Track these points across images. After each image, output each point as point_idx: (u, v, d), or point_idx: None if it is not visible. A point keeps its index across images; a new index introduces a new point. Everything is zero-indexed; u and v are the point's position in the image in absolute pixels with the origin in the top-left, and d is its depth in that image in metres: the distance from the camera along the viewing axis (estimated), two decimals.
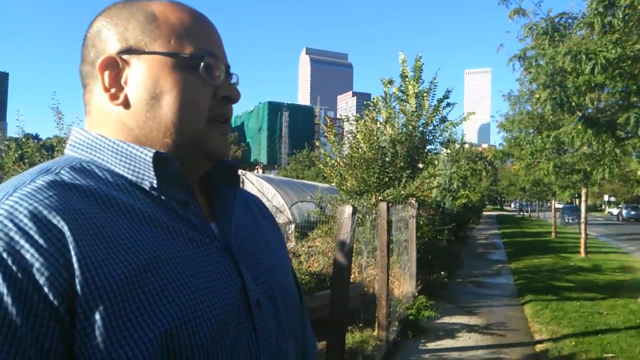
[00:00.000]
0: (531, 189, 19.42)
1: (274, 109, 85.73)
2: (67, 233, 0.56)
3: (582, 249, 13.75)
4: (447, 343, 5.49)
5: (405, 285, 7.23)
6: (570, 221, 33.17)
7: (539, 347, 5.41)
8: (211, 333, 0.61)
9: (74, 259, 0.55)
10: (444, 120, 8.63)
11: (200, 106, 0.71)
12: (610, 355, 4.98)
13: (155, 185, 0.67)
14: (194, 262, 0.65)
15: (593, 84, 5.33)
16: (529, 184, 16.31)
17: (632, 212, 41.53)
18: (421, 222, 9.22)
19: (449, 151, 19.19)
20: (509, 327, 6.24)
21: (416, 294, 7.01)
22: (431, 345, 5.39)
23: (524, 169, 14.34)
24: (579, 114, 5.88)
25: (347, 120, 9.43)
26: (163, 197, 0.68)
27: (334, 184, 8.80)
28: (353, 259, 7.62)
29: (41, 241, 0.54)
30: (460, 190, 18.11)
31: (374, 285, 6.03)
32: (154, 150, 0.68)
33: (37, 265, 0.53)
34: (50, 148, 10.84)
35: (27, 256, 0.53)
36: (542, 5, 5.68)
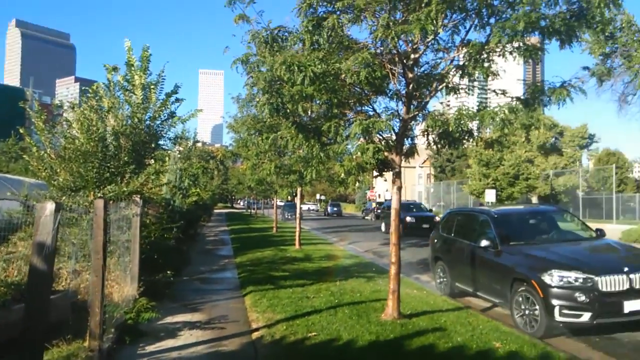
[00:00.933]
0: (257, 187, 20.92)
1: None
2: None
3: (297, 242, 15.48)
4: (167, 344, 5.37)
5: (126, 288, 6.79)
6: (289, 217, 37.32)
7: (255, 335, 5.78)
8: None
9: None
10: (172, 115, 8.46)
11: None
12: (313, 333, 5.67)
13: None
14: None
15: (304, 94, 5.98)
16: (254, 182, 17.50)
17: (335, 209, 50.27)
18: (148, 221, 8.85)
19: (181, 148, 19.03)
20: (230, 319, 6.51)
21: (137, 297, 6.66)
22: (150, 349, 5.19)
23: (250, 169, 15.32)
24: (293, 119, 6.53)
25: (61, 106, 8.34)
26: None
27: (42, 179, 7.66)
28: (65, 263, 6.80)
29: None
30: (192, 189, 18.15)
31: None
32: None
33: None
34: None
35: None
36: (263, 15, 6.09)
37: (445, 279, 9.00)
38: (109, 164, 7.46)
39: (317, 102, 7.27)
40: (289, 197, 34.96)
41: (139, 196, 7.37)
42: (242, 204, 75.33)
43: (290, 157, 13.56)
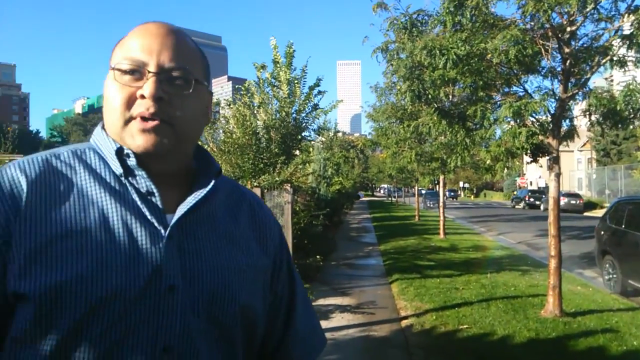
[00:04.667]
0: (397, 175, 20.81)
1: None
2: (28, 186, 0.78)
3: (441, 231, 15.07)
4: (321, 324, 5.63)
5: None
6: (431, 205, 36.30)
7: (404, 323, 5.79)
8: (97, 298, 0.74)
9: (22, 205, 0.77)
10: (315, 107, 8.80)
11: (116, 108, 0.83)
12: (465, 326, 5.49)
13: (118, 174, 0.83)
14: (117, 241, 0.78)
15: (446, 78, 5.75)
16: (395, 170, 17.40)
17: (451, 193, 58.20)
18: (297, 208, 9.35)
19: (323, 139, 19.73)
20: (378, 305, 6.61)
21: None
22: None
23: (390, 157, 15.25)
24: (435, 105, 6.35)
25: (219, 104, 9.20)
26: (126, 184, 0.83)
27: None
28: None
29: (6, 186, 0.78)
30: (334, 177, 18.74)
31: None
32: (118, 145, 0.83)
33: None
34: None
35: None
36: (402, 1, 6.00)
37: (614, 276, 8.02)
38: (262, 156, 8.05)
39: (460, 85, 6.98)
40: (430, 185, 34.17)
41: (289, 185, 7.84)
42: (382, 192, 75.64)
43: (432, 145, 13.21)
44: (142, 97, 0.81)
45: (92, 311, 0.74)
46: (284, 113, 8.47)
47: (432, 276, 8.38)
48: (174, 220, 0.82)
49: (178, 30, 0.89)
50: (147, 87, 0.81)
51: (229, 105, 8.63)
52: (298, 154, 9.45)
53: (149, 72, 0.82)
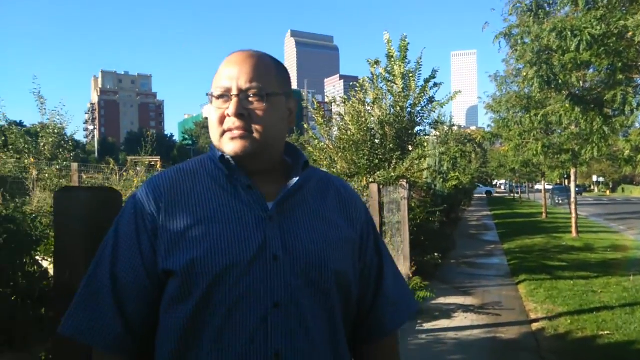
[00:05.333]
0: (521, 169, 19.50)
1: None
2: (165, 192, 1.05)
3: (573, 229, 13.81)
4: (443, 323, 5.50)
5: (399, 267, 7.19)
6: (561, 202, 33.24)
7: (535, 326, 5.42)
8: (221, 267, 0.97)
9: (162, 206, 1.03)
10: (431, 100, 8.55)
11: (214, 126, 1.08)
12: (606, 332, 5.00)
13: (226, 174, 1.07)
14: (231, 224, 1.01)
15: (579, 62, 5.28)
16: (518, 164, 16.32)
17: (578, 189, 46.06)
18: (413, 204, 9.19)
19: (437, 133, 19.17)
20: (504, 306, 6.26)
21: (411, 275, 7.01)
22: (428, 326, 5.40)
23: (512, 150, 14.31)
24: (566, 92, 5.84)
25: (334, 102, 9.33)
26: (234, 183, 1.06)
27: (324, 167, 8.73)
28: None
29: (150, 194, 1.05)
30: (451, 172, 18.10)
31: None
32: (220, 152, 1.07)
33: (145, 204, 1.04)
34: (35, 134, 10.67)
35: (142, 198, 1.05)
36: None
37: None
38: (376, 152, 8.03)
39: (594, 68, 6.36)
40: (558, 180, 31.53)
41: (405, 180, 7.73)
42: (502, 187, 71.47)
43: (561, 135, 12.15)
44: (228, 115, 1.04)
45: (218, 276, 0.98)
46: (398, 108, 8.35)
47: (565, 277, 7.74)
48: (272, 206, 1.04)
49: (255, 54, 1.10)
50: (231, 107, 1.04)
51: (344, 102, 8.73)
52: (411, 148, 9.28)
53: (232, 95, 1.05)
